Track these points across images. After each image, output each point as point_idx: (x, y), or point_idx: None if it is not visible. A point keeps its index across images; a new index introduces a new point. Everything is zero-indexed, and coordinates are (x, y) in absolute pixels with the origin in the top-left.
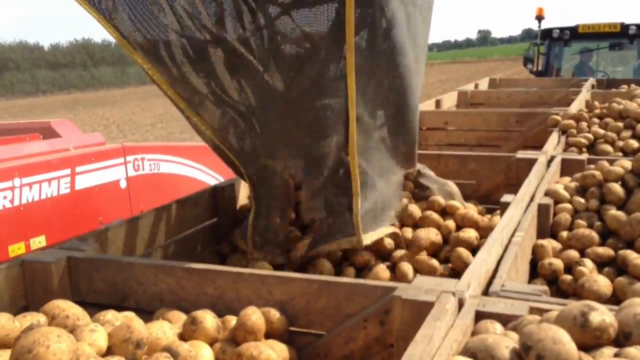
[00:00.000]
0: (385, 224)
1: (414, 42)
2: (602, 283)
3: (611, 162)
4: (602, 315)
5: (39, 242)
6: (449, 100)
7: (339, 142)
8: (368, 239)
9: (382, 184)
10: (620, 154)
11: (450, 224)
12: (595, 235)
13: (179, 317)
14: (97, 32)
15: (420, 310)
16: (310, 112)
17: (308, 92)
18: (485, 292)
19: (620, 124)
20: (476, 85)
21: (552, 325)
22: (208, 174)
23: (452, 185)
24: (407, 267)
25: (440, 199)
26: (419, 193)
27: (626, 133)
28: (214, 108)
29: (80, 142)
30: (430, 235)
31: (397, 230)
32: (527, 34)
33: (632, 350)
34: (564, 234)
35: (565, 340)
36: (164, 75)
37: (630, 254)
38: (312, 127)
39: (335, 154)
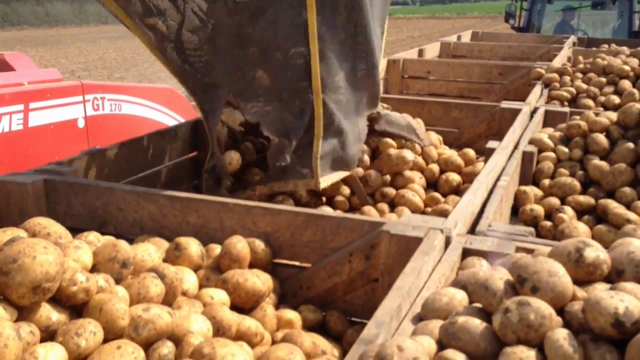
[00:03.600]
0: (344, 167)
1: None
2: (582, 230)
3: (595, 114)
4: (597, 252)
5: None
6: (432, 51)
7: (305, 82)
8: (325, 181)
9: (348, 126)
10: (601, 109)
11: (434, 167)
12: (577, 184)
13: (161, 244)
14: None
15: (408, 246)
16: (273, 51)
17: (267, 29)
18: (471, 233)
19: (603, 80)
20: (459, 37)
21: (547, 259)
22: (172, 117)
23: (408, 118)
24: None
25: (432, 150)
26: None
27: (608, 89)
28: (171, 46)
29: (35, 77)
30: (415, 177)
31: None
32: None
33: (627, 284)
34: (546, 181)
35: (561, 273)
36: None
37: (611, 203)
38: (276, 66)
39: (301, 94)
